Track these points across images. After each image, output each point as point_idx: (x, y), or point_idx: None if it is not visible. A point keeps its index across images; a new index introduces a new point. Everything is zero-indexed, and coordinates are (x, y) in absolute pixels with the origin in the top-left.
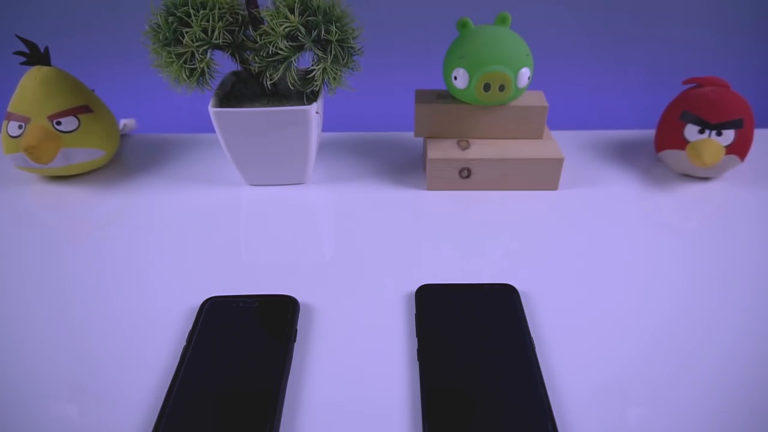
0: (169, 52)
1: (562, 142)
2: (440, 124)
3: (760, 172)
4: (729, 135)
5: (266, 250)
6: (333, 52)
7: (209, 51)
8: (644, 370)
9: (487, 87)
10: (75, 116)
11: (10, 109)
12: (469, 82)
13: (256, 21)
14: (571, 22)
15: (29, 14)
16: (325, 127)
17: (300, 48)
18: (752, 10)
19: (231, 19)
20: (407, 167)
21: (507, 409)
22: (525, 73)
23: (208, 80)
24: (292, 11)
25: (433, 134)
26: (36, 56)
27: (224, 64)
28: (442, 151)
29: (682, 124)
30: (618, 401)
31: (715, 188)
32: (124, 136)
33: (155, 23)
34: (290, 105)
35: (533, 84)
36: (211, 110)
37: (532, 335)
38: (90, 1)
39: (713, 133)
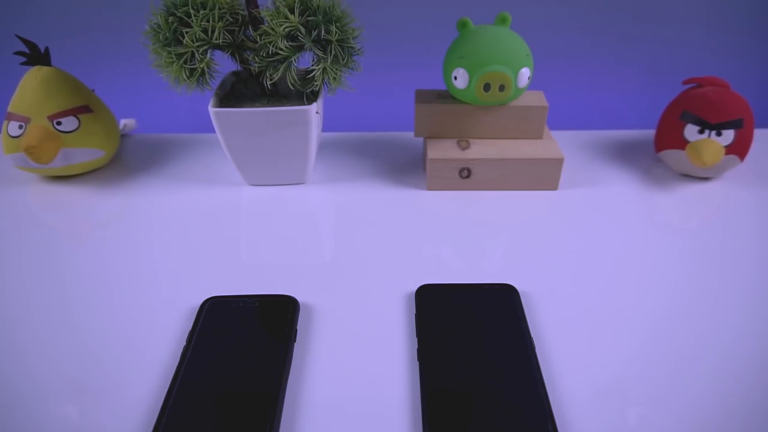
0: (169, 52)
1: (562, 142)
2: (440, 124)
3: (760, 172)
4: (729, 135)
5: (266, 250)
6: (333, 52)
7: (209, 51)
8: (644, 370)
9: (487, 87)
10: (75, 116)
11: (10, 109)
12: (469, 82)
13: (256, 21)
14: (571, 22)
15: (29, 14)
16: (325, 127)
17: (300, 48)
18: (752, 10)
19: (231, 19)
20: (407, 167)
21: (507, 409)
22: (525, 73)
23: (208, 80)
24: (292, 11)
25: (433, 134)
26: (36, 56)
27: (224, 64)
28: (442, 151)
29: (682, 124)
30: (618, 401)
31: (715, 188)
32: (124, 136)
33: (155, 23)
34: (290, 105)
35: (533, 84)
36: (211, 110)
37: (532, 335)
38: (90, 1)
39: (713, 133)
